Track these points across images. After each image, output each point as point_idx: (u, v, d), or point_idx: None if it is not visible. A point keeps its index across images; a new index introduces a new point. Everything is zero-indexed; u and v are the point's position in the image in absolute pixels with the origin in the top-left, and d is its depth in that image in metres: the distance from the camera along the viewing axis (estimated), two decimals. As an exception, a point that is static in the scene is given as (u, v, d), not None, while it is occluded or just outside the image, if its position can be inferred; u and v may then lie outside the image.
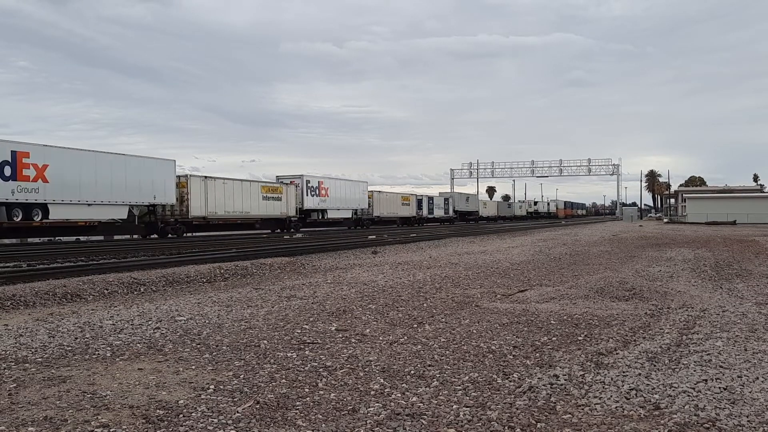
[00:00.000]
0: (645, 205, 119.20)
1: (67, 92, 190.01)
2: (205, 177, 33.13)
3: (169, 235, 30.40)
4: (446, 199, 69.80)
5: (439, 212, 65.86)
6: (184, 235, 31.50)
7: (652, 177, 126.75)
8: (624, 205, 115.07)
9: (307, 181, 42.54)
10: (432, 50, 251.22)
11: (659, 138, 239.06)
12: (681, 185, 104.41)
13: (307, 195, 41.99)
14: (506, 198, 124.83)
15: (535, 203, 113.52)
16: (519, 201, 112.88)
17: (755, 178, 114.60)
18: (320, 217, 44.19)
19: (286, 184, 40.54)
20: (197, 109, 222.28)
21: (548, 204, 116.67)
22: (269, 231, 37.79)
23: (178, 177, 31.15)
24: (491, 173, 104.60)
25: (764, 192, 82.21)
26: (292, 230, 38.09)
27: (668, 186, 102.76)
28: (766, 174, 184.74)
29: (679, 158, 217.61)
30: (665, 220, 71.04)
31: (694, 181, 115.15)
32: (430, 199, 64.72)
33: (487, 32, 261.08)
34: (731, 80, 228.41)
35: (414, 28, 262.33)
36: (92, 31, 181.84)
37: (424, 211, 61.92)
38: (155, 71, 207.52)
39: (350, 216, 47.99)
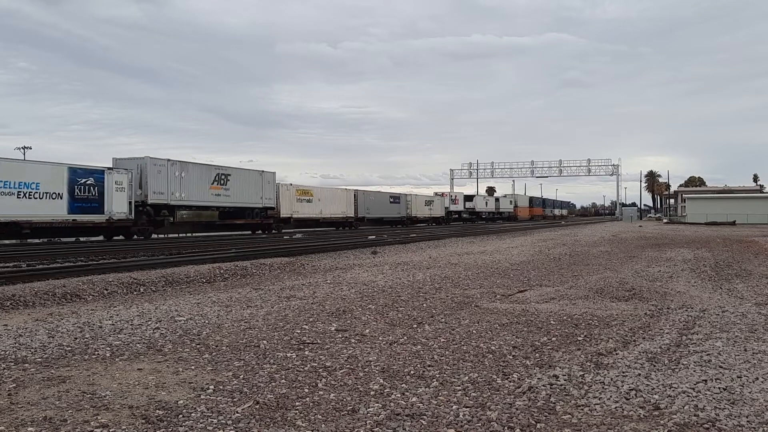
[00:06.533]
0: (644, 205, 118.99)
1: (66, 93, 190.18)
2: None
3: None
4: (108, 171, 25.31)
5: (48, 208, 22.65)
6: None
7: (651, 177, 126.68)
8: (623, 205, 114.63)
9: None
10: (427, 51, 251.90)
11: (658, 138, 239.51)
12: (680, 185, 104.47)
13: None
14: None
15: (470, 198, 74.80)
16: (436, 195, 66.67)
17: (755, 179, 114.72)
18: None
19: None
20: (196, 110, 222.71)
21: (497, 201, 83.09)
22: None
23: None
24: (491, 173, 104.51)
25: (764, 192, 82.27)
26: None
27: (668, 186, 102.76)
28: (766, 174, 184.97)
29: (679, 158, 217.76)
30: (665, 221, 71.06)
31: (694, 182, 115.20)
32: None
33: (481, 33, 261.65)
34: (730, 81, 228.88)
35: (409, 29, 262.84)
36: (90, 32, 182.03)
37: None
38: (154, 72, 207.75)
39: None
